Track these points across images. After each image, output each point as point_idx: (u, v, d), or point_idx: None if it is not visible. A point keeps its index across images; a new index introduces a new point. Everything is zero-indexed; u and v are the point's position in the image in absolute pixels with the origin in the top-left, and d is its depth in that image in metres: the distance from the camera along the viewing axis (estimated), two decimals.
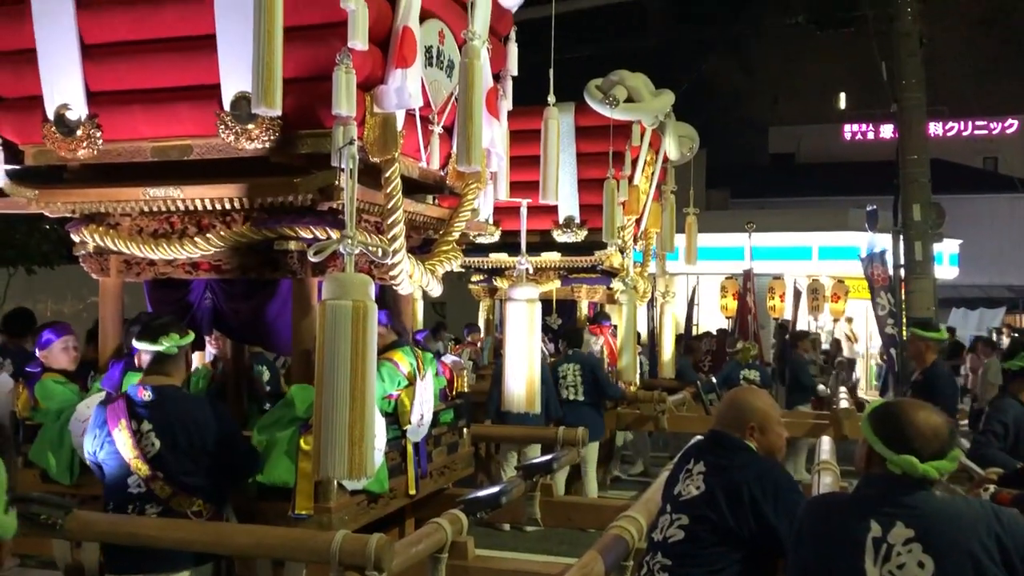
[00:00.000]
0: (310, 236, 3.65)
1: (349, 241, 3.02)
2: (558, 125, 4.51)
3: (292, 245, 3.74)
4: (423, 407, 4.10)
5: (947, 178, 20.91)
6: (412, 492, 4.11)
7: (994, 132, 35.74)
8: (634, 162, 8.36)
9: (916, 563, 1.90)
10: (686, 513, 2.67)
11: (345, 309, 2.92)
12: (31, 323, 6.18)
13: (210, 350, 4.93)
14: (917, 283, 12.15)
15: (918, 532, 1.93)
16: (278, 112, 3.07)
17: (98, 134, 3.79)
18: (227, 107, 3.54)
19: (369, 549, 2.87)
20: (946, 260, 21.10)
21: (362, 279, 3.01)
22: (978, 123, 35.81)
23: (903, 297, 12.34)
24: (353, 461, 2.94)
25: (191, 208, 3.79)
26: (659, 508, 2.84)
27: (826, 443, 5.55)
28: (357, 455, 2.94)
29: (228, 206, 3.73)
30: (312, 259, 3.18)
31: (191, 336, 3.59)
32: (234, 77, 3.51)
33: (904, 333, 12.28)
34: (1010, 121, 35.89)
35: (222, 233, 3.76)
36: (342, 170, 3.15)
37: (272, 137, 3.52)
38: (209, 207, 3.76)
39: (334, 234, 3.53)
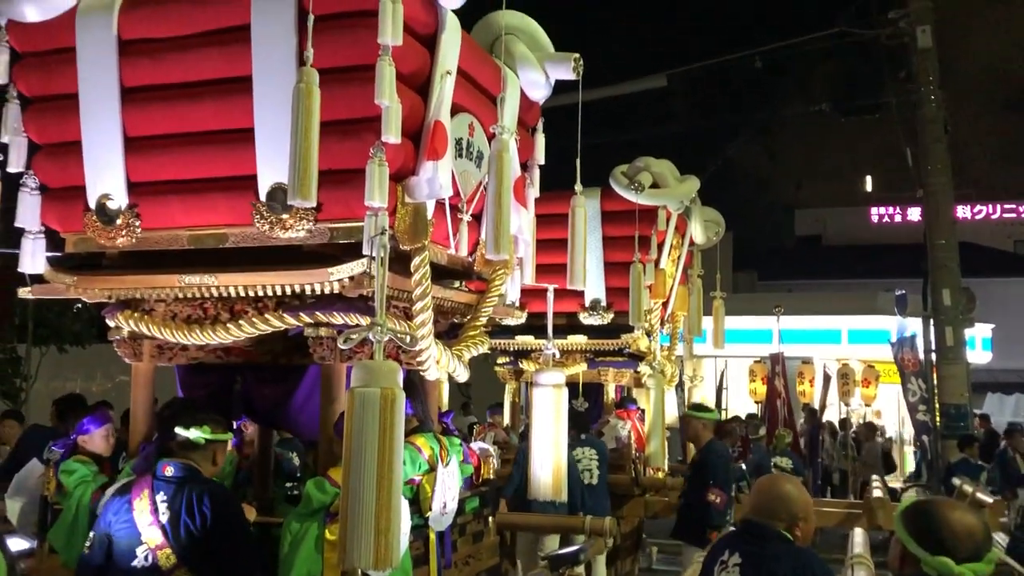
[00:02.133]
0: (340, 323, 3.70)
1: (379, 328, 3.05)
2: (585, 213, 4.57)
3: (323, 331, 3.78)
4: (446, 495, 4.06)
5: (977, 261, 20.80)
6: None
7: (1023, 215, 35.60)
8: (660, 246, 8.41)
9: None
10: None
11: (373, 396, 2.92)
12: (81, 408, 6.18)
13: (247, 431, 4.96)
14: (949, 368, 12.00)
15: None
16: (313, 203, 3.15)
17: (137, 223, 3.90)
18: (263, 197, 3.64)
19: None
20: (979, 344, 20.82)
21: (390, 366, 3.02)
22: (1007, 206, 35.72)
23: (935, 383, 12.18)
24: (379, 551, 2.90)
25: (224, 295, 3.86)
26: None
27: (859, 535, 5.42)
28: (383, 544, 2.91)
29: (261, 293, 3.80)
30: (342, 346, 3.21)
31: (226, 435, 3.64)
32: (270, 169, 3.61)
33: (938, 420, 12.09)
34: None
35: (254, 319, 3.82)
36: (373, 258, 3.20)
37: (306, 226, 3.61)
38: (242, 294, 3.82)
39: (364, 321, 3.58)
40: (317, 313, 3.72)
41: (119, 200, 3.90)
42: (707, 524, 6.03)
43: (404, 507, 3.55)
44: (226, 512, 3.51)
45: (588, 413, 8.58)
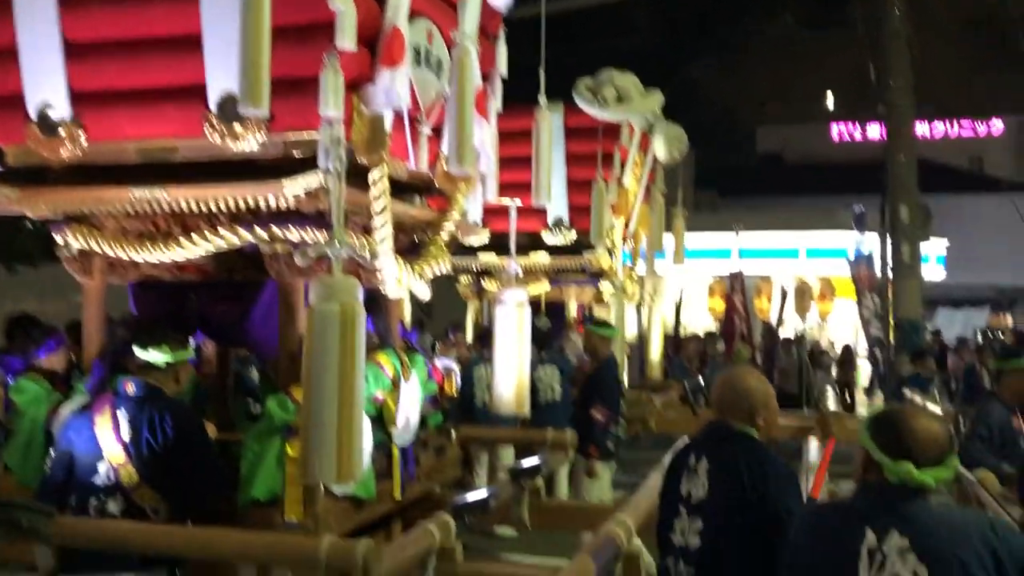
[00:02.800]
0: (296, 238, 3.62)
1: (337, 243, 2.99)
2: (550, 126, 4.47)
3: (279, 247, 3.70)
4: (408, 410, 4.07)
5: (934, 178, 20.98)
6: (397, 496, 4.08)
7: (980, 133, 35.96)
8: (623, 163, 8.34)
9: (910, 572, 1.87)
10: (700, 517, 2.68)
11: (333, 313, 2.89)
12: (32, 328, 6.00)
13: (206, 350, 4.90)
14: (904, 284, 12.23)
15: (913, 541, 1.90)
16: (265, 113, 3.04)
17: (82, 134, 3.73)
18: (213, 107, 3.50)
19: (357, 555, 2.84)
20: (933, 260, 21.19)
21: (350, 282, 2.98)
22: (964, 123, 36.01)
23: (890, 298, 12.40)
24: (341, 465, 2.91)
25: (176, 210, 3.74)
26: (667, 505, 2.81)
27: (814, 447, 5.56)
28: (345, 459, 2.91)
29: (213, 207, 3.68)
30: (299, 262, 3.14)
31: (187, 353, 3.62)
32: (220, 77, 3.46)
33: (892, 335, 12.35)
34: (995, 122, 36.14)
35: (207, 234, 3.72)
36: (329, 171, 3.11)
37: (259, 138, 3.48)
38: (194, 208, 3.71)
39: (321, 236, 3.50)
40: (272, 228, 3.63)
41: (61, 110, 3.72)
42: (589, 439, 6.19)
43: (366, 424, 3.54)
44: (188, 430, 3.51)
45: (551, 331, 8.62)
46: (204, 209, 3.70)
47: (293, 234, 3.61)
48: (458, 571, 3.52)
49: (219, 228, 3.72)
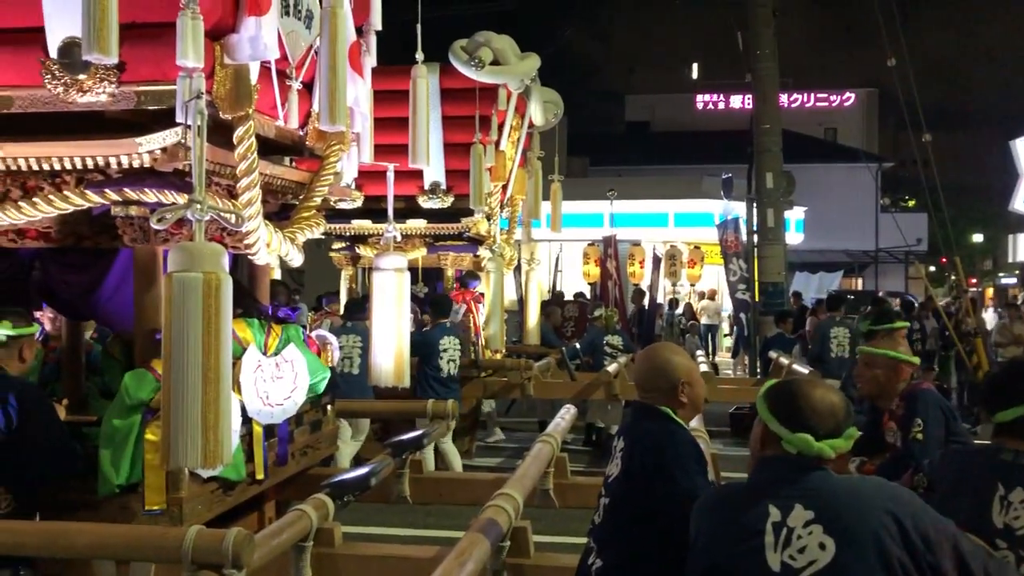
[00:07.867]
0: (153, 200, 3.30)
1: (198, 206, 2.72)
2: (427, 84, 4.28)
3: (133, 211, 3.37)
4: (269, 387, 3.74)
5: (792, 147, 21.94)
6: (260, 477, 3.79)
7: (833, 104, 37.79)
8: (500, 127, 8.21)
9: (818, 544, 1.83)
10: (609, 495, 2.61)
11: (195, 282, 2.64)
12: None
13: (45, 326, 4.50)
14: (769, 249, 12.64)
15: (818, 513, 1.86)
16: (114, 60, 2.73)
17: None
18: (54, 54, 3.14)
19: (226, 545, 2.61)
20: (792, 226, 22.18)
21: (213, 248, 2.74)
22: (819, 95, 37.75)
23: (755, 262, 12.82)
24: (208, 448, 2.69)
25: (14, 168, 3.35)
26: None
27: None
28: (212, 441, 2.69)
29: (58, 166, 3.32)
30: (155, 226, 2.86)
31: (31, 328, 3.27)
32: (62, 19, 3.10)
33: (757, 297, 12.80)
34: (848, 94, 38.06)
35: (51, 197, 3.35)
36: (189, 127, 2.84)
37: (108, 89, 3.14)
38: (36, 167, 3.33)
39: (180, 198, 3.21)
40: (125, 190, 3.30)
41: None
42: None
43: (235, 402, 3.29)
44: (35, 411, 3.18)
45: (427, 297, 8.46)
46: (47, 168, 3.33)
47: (149, 196, 3.30)
48: (336, 554, 3.33)
49: (65, 190, 3.37)
